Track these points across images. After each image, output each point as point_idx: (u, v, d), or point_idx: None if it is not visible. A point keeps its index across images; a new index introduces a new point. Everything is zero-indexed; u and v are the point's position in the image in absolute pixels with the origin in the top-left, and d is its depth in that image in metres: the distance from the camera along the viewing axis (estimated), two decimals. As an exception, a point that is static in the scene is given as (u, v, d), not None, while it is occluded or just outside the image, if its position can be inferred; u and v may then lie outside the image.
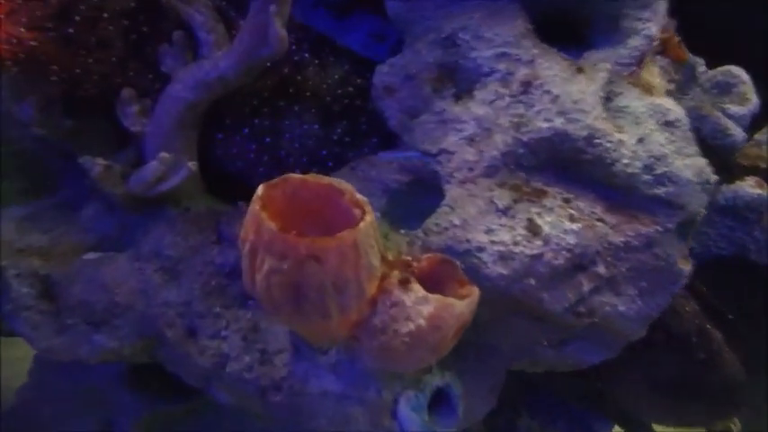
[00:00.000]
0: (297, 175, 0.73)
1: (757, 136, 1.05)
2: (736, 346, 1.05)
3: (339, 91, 0.94)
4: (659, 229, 0.87)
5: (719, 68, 1.02)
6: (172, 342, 0.85)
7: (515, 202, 0.83)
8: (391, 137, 0.92)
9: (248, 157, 0.95)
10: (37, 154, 0.98)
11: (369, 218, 0.71)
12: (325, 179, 0.74)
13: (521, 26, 0.88)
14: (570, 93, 0.85)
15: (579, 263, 0.84)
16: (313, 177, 0.74)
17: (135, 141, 0.94)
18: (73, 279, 0.88)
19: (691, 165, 0.88)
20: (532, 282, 0.80)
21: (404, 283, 0.73)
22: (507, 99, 0.85)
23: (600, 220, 0.86)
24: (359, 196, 0.73)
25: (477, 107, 0.85)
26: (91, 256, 0.90)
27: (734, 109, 0.99)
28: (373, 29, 1.01)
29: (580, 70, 0.88)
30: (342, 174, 0.90)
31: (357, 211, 0.73)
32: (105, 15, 0.90)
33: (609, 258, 0.85)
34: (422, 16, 0.90)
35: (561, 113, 0.84)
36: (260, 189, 0.70)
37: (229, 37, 0.92)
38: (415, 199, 0.87)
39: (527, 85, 0.85)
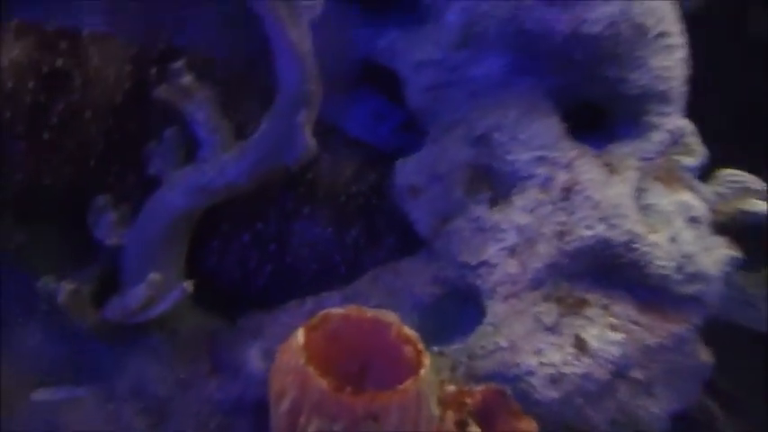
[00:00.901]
0: (337, 311, 0.68)
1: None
2: (737, 424, 1.05)
3: (354, 189, 0.85)
4: (689, 327, 0.88)
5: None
6: None
7: (561, 316, 0.80)
8: (409, 238, 0.85)
9: (248, 266, 0.83)
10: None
11: (428, 361, 0.66)
12: (369, 312, 0.70)
13: (557, 126, 0.84)
14: (609, 197, 0.83)
15: (620, 372, 0.82)
16: (355, 311, 0.69)
17: (104, 256, 0.79)
18: (21, 426, 0.72)
19: (715, 260, 0.89)
20: (581, 401, 0.78)
21: (462, 428, 0.68)
22: (549, 206, 0.81)
23: (635, 322, 0.86)
24: (408, 330, 0.69)
25: (517, 215, 0.81)
26: (44, 395, 0.73)
27: (687, 161, 0.95)
28: (376, 108, 0.92)
29: (613, 170, 0.86)
30: (362, 285, 0.82)
31: (409, 350, 0.68)
32: (89, 115, 0.76)
33: (645, 361, 0.85)
34: (450, 108, 0.84)
35: (603, 219, 0.82)
36: (300, 335, 0.64)
37: (235, 134, 0.79)
38: (448, 311, 0.82)
39: (567, 191, 0.81)
